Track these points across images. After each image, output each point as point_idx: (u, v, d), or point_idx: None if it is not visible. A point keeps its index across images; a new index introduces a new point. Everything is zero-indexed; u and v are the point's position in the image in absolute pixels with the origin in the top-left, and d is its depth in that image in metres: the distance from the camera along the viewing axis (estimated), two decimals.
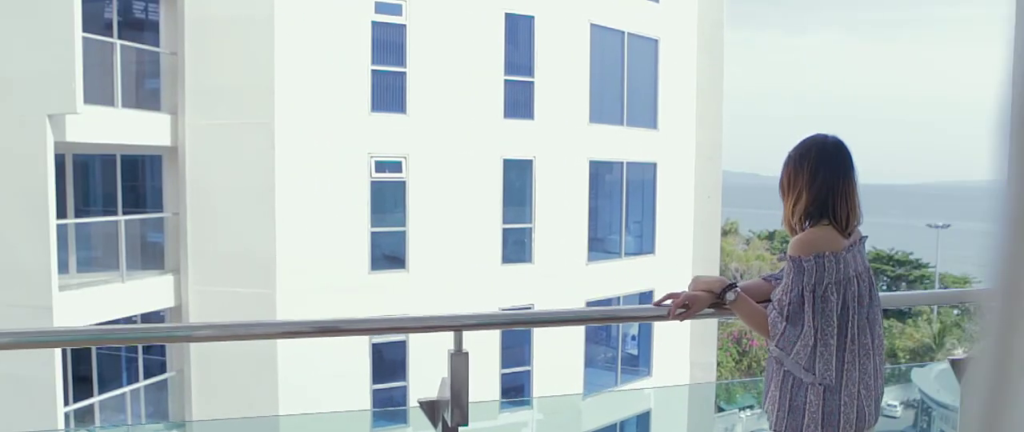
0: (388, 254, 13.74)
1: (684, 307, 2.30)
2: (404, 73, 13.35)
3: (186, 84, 12.21)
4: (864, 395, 2.15)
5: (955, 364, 2.84)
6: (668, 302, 2.35)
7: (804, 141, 2.28)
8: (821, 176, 2.19)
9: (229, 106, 12.34)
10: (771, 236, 51.24)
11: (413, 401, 2.21)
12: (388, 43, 13.31)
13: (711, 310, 2.31)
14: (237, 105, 12.35)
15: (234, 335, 1.97)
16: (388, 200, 13.61)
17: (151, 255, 12.78)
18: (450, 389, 2.04)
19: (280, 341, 12.34)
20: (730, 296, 2.26)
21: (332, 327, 2.00)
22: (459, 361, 2.05)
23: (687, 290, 2.34)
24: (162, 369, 12.93)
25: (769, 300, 2.29)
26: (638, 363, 17.84)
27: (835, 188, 2.19)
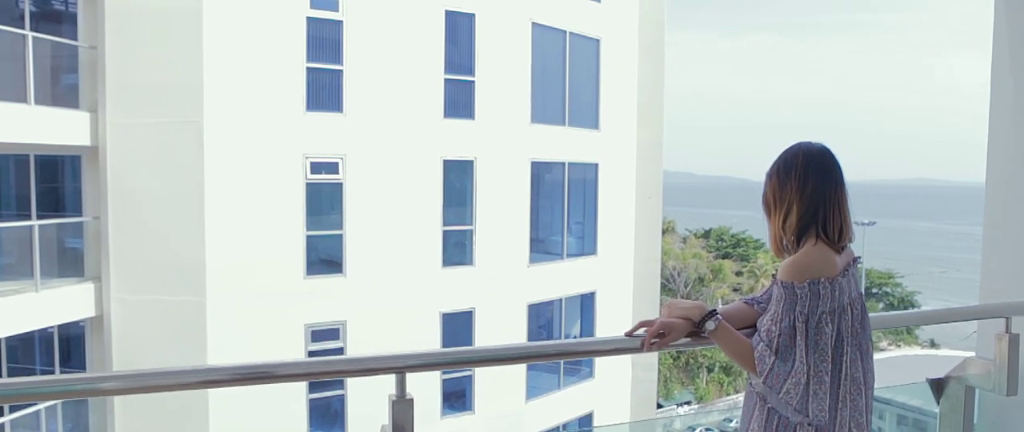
0: (325, 258, 13.32)
1: (659, 336, 2.06)
2: (341, 71, 12.95)
3: (107, 80, 11.53)
4: None
5: (933, 383, 2.69)
6: (641, 331, 2.11)
7: (788, 150, 2.06)
8: (812, 184, 1.99)
9: (154, 104, 11.74)
10: (707, 234, 52.19)
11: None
12: (324, 40, 12.90)
13: (687, 340, 2.07)
14: (163, 103, 11.77)
15: (145, 386, 1.65)
16: (324, 202, 13.22)
17: (69, 262, 12.05)
18: None
19: (210, 347, 11.84)
20: (710, 325, 2.02)
21: (258, 373, 1.69)
22: (402, 408, 1.76)
23: (661, 316, 2.09)
24: None
25: (751, 327, 2.07)
26: (580, 364, 17.76)
27: (827, 198, 1.99)
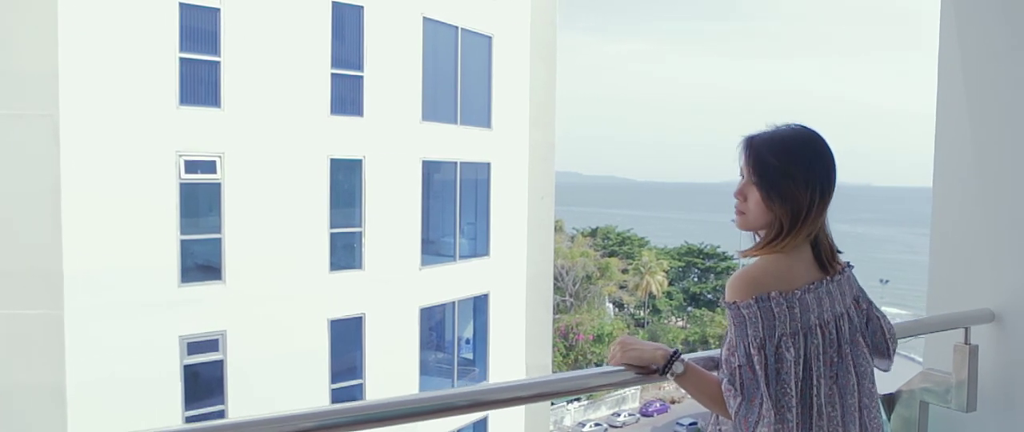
0: (202, 264, 12.42)
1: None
2: (218, 63, 12.12)
3: None
4: None
5: (884, 398, 2.52)
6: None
7: (788, 133, 1.65)
8: (819, 183, 1.62)
9: (1, 94, 10.52)
10: (594, 233, 53.24)
11: None
12: (199, 29, 12.04)
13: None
14: (11, 93, 10.61)
15: None
16: (201, 203, 12.35)
17: None
18: None
19: (70, 366, 10.78)
20: (678, 368, 1.67)
21: None
22: None
23: (618, 353, 1.73)
24: None
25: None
26: (474, 366, 17.48)
27: (822, 200, 1.63)
